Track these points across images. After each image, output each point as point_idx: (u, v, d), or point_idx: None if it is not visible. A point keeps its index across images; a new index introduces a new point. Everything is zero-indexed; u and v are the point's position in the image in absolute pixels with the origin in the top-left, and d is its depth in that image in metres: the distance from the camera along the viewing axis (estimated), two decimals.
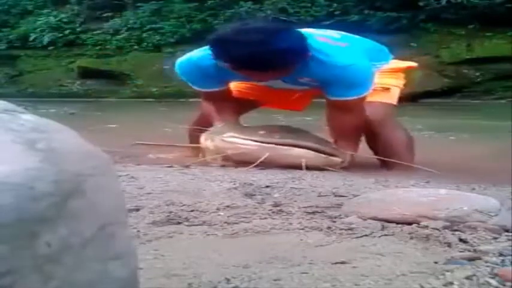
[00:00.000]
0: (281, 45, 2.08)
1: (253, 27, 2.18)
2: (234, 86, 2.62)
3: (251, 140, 2.29)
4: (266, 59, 2.11)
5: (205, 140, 2.44)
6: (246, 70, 2.23)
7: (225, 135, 2.36)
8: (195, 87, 2.54)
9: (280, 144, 2.24)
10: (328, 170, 2.20)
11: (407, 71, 2.68)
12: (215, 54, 2.22)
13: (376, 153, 2.48)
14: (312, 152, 2.22)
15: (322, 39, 2.29)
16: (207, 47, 2.38)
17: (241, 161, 2.23)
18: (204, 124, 2.59)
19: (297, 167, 2.14)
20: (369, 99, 2.36)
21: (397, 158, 2.33)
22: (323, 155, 2.25)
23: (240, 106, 2.62)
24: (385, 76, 2.47)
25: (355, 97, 2.27)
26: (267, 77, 2.29)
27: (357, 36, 2.47)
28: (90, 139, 0.55)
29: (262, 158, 2.18)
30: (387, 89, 2.51)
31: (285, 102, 2.78)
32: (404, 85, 2.62)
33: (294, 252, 0.95)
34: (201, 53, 2.41)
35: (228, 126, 2.44)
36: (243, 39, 2.09)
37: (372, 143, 2.50)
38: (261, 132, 2.34)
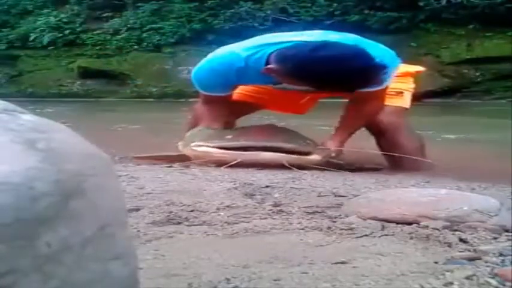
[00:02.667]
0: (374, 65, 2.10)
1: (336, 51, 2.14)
2: (239, 88, 2.59)
3: (216, 147, 2.26)
4: (360, 81, 2.14)
5: (183, 148, 2.42)
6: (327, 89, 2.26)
7: (192, 144, 2.34)
8: (204, 92, 2.49)
9: (245, 149, 2.22)
10: (329, 170, 2.19)
11: (415, 75, 2.70)
12: (297, 75, 2.18)
13: (386, 156, 2.48)
14: (280, 154, 2.19)
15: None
16: (223, 51, 2.37)
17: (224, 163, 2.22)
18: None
19: (279, 166, 2.13)
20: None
21: (408, 160, 2.34)
22: (294, 156, 2.21)
23: (239, 109, 2.61)
24: (396, 80, 2.48)
25: (380, 88, 2.28)
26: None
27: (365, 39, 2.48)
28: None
29: (234, 162, 2.17)
30: (400, 93, 2.54)
31: (289, 105, 2.77)
32: (414, 89, 2.64)
33: (294, 252, 0.95)
34: (221, 58, 2.38)
35: (197, 133, 2.42)
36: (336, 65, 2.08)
37: (382, 146, 2.49)
38: (228, 136, 2.31)
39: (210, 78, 2.41)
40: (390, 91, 2.43)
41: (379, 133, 2.46)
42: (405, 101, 2.56)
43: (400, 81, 2.55)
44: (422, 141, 2.54)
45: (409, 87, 2.62)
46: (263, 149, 2.22)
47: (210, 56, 2.43)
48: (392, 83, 2.43)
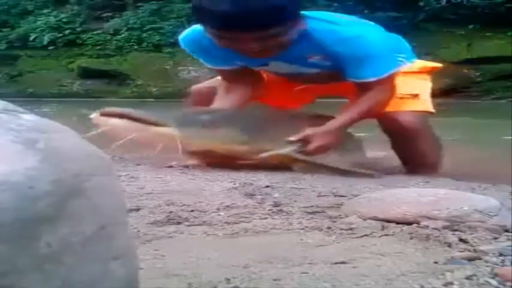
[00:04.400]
0: (268, 2, 1.85)
1: None
2: None
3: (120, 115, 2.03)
4: (251, 18, 1.86)
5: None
6: (230, 31, 1.93)
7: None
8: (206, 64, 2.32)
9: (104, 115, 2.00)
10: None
11: (432, 72, 2.47)
12: (198, 18, 1.99)
13: (402, 159, 2.32)
14: (126, 121, 1.97)
15: (335, 16, 2.15)
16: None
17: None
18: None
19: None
20: (400, 108, 2.18)
21: (427, 167, 2.20)
22: (140, 124, 1.97)
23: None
24: (411, 80, 2.27)
25: (376, 78, 2.04)
26: (260, 50, 1.99)
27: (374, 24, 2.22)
28: None
29: (127, 138, 1.96)
30: (416, 96, 2.29)
31: (284, 96, 2.52)
32: (432, 89, 2.40)
33: (294, 252, 0.95)
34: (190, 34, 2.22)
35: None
36: None
37: (400, 150, 2.30)
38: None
39: (190, 46, 2.24)
40: (405, 95, 2.22)
41: (398, 137, 2.24)
42: (424, 104, 2.31)
43: (416, 79, 2.33)
44: (440, 145, 2.36)
45: (427, 86, 2.38)
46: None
47: (193, 27, 2.21)
48: (408, 84, 2.23)
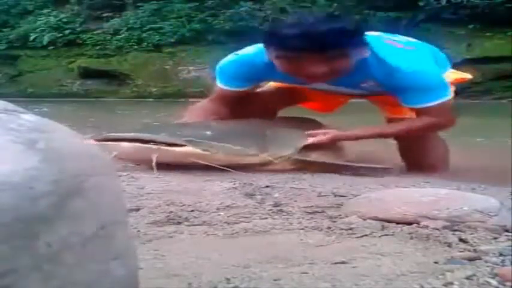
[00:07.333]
0: (336, 26, 2.00)
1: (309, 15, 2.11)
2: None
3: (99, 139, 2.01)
4: (319, 38, 1.96)
5: None
6: (299, 56, 2.04)
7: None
8: (225, 86, 2.38)
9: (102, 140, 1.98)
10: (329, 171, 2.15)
11: (459, 83, 2.50)
12: (269, 41, 2.11)
13: (407, 161, 2.39)
14: (137, 144, 1.94)
15: (389, 42, 2.20)
16: (254, 47, 2.30)
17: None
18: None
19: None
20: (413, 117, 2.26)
21: (431, 171, 2.25)
22: (154, 146, 1.93)
23: (277, 99, 2.52)
24: None
25: (433, 103, 2.13)
26: (323, 72, 2.08)
27: (421, 42, 2.38)
28: None
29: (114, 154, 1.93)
30: None
31: (323, 102, 2.66)
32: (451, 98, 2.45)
33: (294, 252, 0.95)
34: (250, 51, 2.30)
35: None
36: (298, 22, 2.03)
37: (407, 152, 2.39)
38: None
39: (236, 70, 2.32)
40: None
41: (406, 140, 2.33)
42: None
43: None
44: (447, 149, 2.43)
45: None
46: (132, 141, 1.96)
47: (238, 53, 2.35)
48: None
